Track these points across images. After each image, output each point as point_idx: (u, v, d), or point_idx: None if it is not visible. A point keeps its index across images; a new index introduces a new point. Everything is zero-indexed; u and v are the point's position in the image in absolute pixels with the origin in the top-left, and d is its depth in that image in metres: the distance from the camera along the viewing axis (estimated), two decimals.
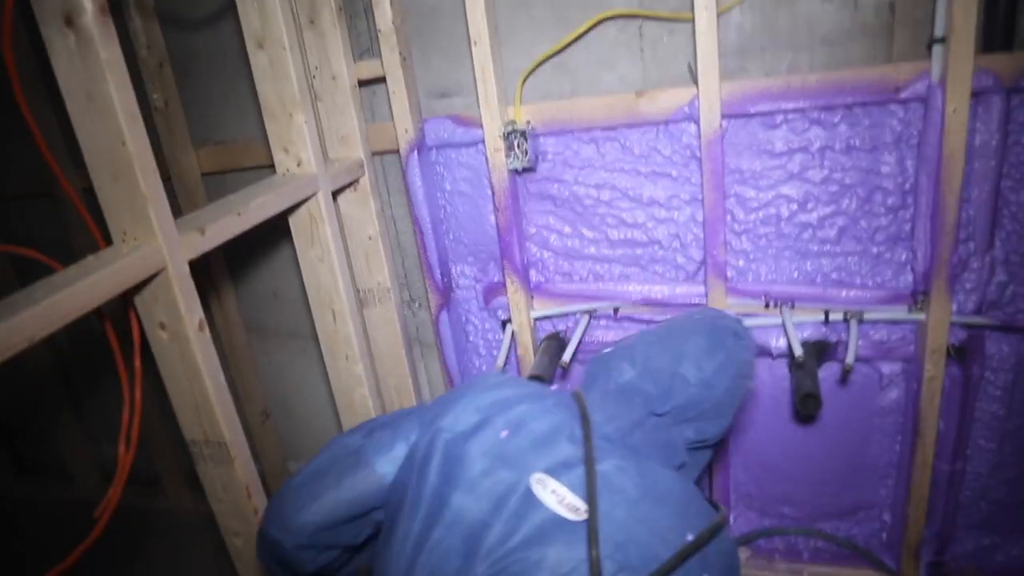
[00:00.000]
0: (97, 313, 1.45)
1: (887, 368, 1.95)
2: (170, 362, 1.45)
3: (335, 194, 1.94)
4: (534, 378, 1.92)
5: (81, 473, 3.11)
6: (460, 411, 1.15)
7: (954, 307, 1.80)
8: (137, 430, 1.51)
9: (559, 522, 0.98)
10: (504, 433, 1.08)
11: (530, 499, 1.00)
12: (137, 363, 1.48)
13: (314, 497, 1.18)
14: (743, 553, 2.23)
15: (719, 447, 1.27)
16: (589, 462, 1.00)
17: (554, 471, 1.03)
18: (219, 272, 2.50)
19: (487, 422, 1.11)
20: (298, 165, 1.76)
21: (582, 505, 0.99)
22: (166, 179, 2.23)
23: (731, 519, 2.28)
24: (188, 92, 2.26)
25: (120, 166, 1.30)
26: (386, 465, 1.16)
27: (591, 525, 0.93)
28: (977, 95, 1.62)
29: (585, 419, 1.08)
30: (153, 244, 1.32)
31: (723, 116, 1.75)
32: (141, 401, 1.53)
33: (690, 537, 0.98)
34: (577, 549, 0.95)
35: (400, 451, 1.17)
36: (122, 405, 1.50)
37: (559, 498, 1.00)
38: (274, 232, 2.37)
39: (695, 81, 1.71)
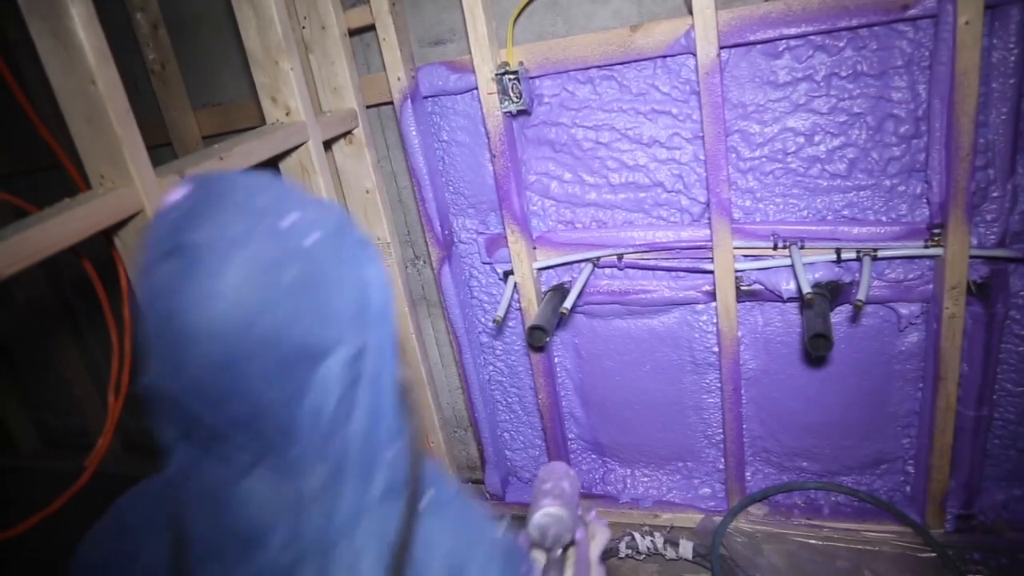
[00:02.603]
0: (77, 256, 1.46)
1: (905, 310, 1.86)
2: None
3: (329, 145, 1.92)
4: (535, 329, 1.88)
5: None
6: None
7: (974, 240, 1.70)
8: (127, 379, 1.52)
9: None
10: None
11: None
12: (126, 312, 1.48)
13: None
14: (760, 510, 2.16)
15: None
16: None
17: None
18: None
19: None
20: (287, 114, 1.73)
21: None
22: (166, 143, 2.25)
23: (748, 475, 2.22)
24: (185, 54, 2.25)
25: (92, 107, 1.28)
26: None
27: None
28: (992, 8, 1.52)
29: None
30: (130, 186, 1.31)
31: (721, 46, 1.67)
32: (132, 350, 1.53)
33: None
34: None
35: None
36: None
37: None
38: None
39: (690, 10, 1.64)
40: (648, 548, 2.15)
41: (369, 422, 0.67)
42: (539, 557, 0.90)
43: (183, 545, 0.69)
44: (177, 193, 0.64)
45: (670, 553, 2.12)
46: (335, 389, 0.63)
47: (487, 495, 2.48)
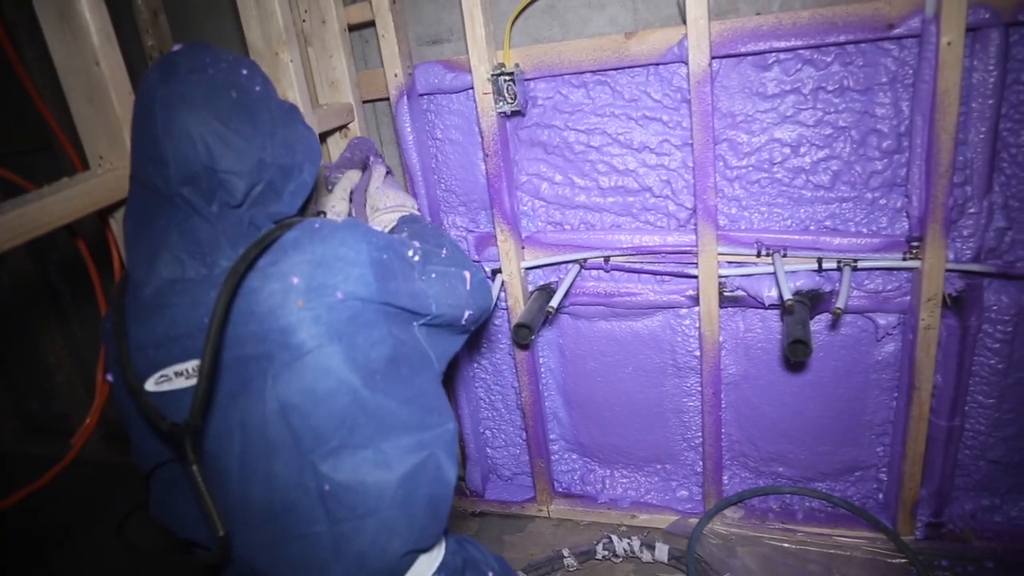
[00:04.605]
0: (72, 235, 1.47)
1: (883, 320, 1.90)
2: None
3: (324, 138, 1.94)
4: (521, 326, 1.91)
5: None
6: None
7: (950, 254, 1.75)
8: None
9: None
10: None
11: None
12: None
13: None
14: (736, 513, 2.20)
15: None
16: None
17: None
18: None
19: None
20: None
21: None
22: None
23: (725, 479, 2.25)
24: (184, 42, 2.26)
25: (94, 88, 1.31)
26: None
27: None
28: (974, 30, 1.57)
29: None
30: (127, 167, 1.32)
31: (713, 56, 1.71)
32: None
33: None
34: None
35: None
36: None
37: None
38: None
39: (684, 20, 1.68)
40: (625, 551, 2.18)
41: (272, 206, 1.05)
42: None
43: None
44: (177, 45, 1.06)
45: (646, 556, 2.15)
46: (247, 177, 1.00)
47: (467, 492, 2.50)
